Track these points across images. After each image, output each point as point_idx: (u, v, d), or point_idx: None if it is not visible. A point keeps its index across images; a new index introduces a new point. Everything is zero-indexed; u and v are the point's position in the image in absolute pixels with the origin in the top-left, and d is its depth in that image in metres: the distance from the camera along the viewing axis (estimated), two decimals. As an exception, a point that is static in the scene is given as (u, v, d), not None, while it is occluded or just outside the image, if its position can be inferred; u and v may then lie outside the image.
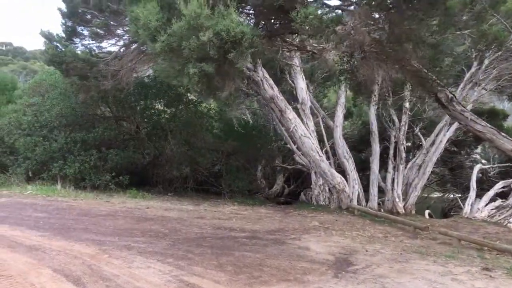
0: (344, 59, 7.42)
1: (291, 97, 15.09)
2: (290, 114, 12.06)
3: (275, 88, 11.93)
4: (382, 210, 13.86)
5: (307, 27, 4.66)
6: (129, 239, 6.73)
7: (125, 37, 11.05)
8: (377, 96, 14.83)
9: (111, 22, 10.17)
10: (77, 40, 11.92)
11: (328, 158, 15.13)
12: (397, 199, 14.44)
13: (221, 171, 15.10)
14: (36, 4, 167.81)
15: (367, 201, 14.54)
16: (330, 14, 5.35)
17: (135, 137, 14.32)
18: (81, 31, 11.87)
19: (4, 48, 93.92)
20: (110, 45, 12.01)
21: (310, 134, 12.79)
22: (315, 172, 13.90)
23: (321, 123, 16.16)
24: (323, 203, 13.75)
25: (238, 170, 15.36)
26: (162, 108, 15.35)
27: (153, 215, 9.27)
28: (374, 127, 15.04)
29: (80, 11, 10.99)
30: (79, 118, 12.98)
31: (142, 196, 12.25)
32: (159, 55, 5.28)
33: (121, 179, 12.36)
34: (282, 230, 8.53)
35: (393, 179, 15.13)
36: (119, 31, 10.83)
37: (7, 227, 7.25)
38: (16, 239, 6.36)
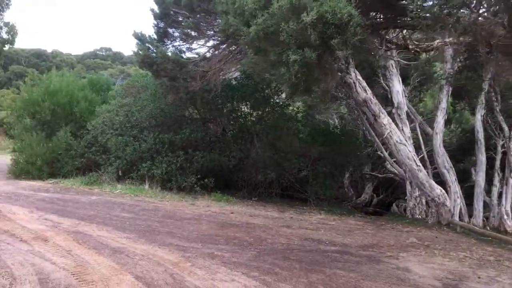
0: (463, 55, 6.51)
1: (384, 101, 14.19)
2: (385, 119, 11.22)
3: (368, 91, 11.18)
4: (487, 227, 12.49)
5: (423, 17, 4.01)
6: (213, 246, 6.48)
7: (214, 37, 10.99)
8: (483, 101, 13.47)
9: (202, 23, 10.10)
10: (167, 41, 12.11)
11: (425, 167, 14.00)
12: (505, 216, 13.00)
13: (307, 177, 14.57)
14: (134, 11, 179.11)
15: (469, 216, 13.20)
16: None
17: (221, 139, 14.29)
18: (171, 33, 12.04)
19: (104, 53, 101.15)
20: (199, 46, 12.10)
21: (406, 141, 11.84)
22: (410, 183, 12.90)
23: (418, 129, 15.03)
24: (419, 216, 12.71)
25: (325, 177, 14.73)
26: (248, 110, 15.18)
27: (238, 221, 9.00)
28: (480, 134, 13.64)
29: (171, 12, 11.12)
30: (168, 119, 13.20)
31: (226, 200, 12.10)
32: (253, 43, 4.89)
33: (206, 181, 12.31)
34: (376, 246, 7.82)
35: (500, 193, 13.64)
36: (208, 32, 10.77)
37: (94, 226, 7.35)
38: (102, 240, 6.37)
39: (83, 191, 11.81)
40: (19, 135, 14.99)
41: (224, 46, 10.72)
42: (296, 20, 4.55)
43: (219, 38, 10.08)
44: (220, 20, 9.74)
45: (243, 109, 15.08)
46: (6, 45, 20.02)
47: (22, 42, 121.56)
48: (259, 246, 6.85)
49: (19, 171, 14.04)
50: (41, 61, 77.05)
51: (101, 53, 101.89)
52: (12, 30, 19.52)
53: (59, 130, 14.46)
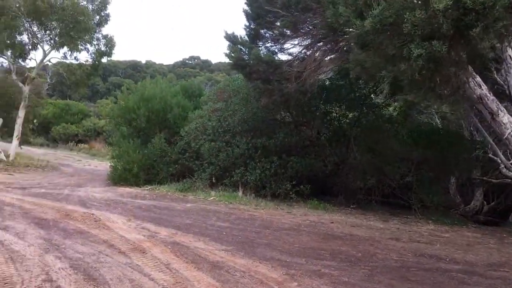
0: None
1: (496, 97, 12.65)
2: (505, 117, 9.91)
3: (484, 86, 9.96)
4: None
5: None
6: (318, 262, 5.93)
7: (310, 35, 10.45)
8: None
9: (298, 21, 9.62)
10: (259, 42, 11.79)
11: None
12: None
13: (410, 183, 13.48)
14: (223, 19, 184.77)
15: None
16: None
17: (315, 143, 13.71)
18: (263, 34, 11.71)
19: (193, 62, 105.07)
20: (292, 46, 11.64)
21: (532, 142, 10.41)
22: (536, 190, 11.35)
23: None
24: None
25: (430, 183, 13.54)
26: (343, 112, 14.44)
27: (340, 232, 8.36)
28: None
29: (263, 12, 10.77)
30: (260, 123, 12.90)
31: (323, 208, 11.51)
32: (366, 36, 4.28)
33: (301, 188, 11.78)
34: (507, 265, 6.76)
35: None
36: (304, 30, 10.26)
37: (191, 237, 7.13)
38: (199, 252, 6.09)
39: (178, 198, 11.85)
40: (117, 142, 15.58)
41: (320, 44, 10.15)
42: (424, 7, 3.87)
43: (318, 36, 9.51)
44: (317, 20, 9.28)
45: (337, 111, 14.41)
46: (104, 57, 21.11)
47: (119, 55, 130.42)
48: (369, 262, 6.18)
49: (117, 178, 14.55)
50: (136, 72, 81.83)
51: (190, 62, 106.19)
52: (109, 43, 20.55)
53: (154, 136, 14.79)
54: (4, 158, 19.16)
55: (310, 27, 9.90)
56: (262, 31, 11.70)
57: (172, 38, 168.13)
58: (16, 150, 20.87)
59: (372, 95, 14.17)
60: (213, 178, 12.93)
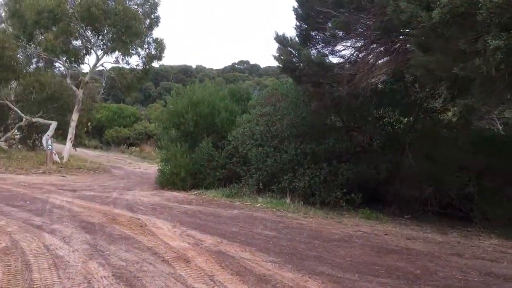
0: None
1: None
2: None
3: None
4: None
5: None
6: (373, 279, 5.50)
7: (363, 36, 9.98)
8: None
9: (351, 21, 9.17)
10: (310, 44, 11.43)
11: None
12: None
13: (471, 193, 12.62)
14: (271, 23, 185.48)
15: None
16: None
17: (367, 149, 13.12)
18: (314, 35, 11.35)
19: (242, 66, 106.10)
20: (343, 48, 11.20)
21: None
22: None
23: None
24: None
25: (493, 193, 12.61)
26: (397, 117, 13.77)
27: (395, 246, 7.82)
28: None
29: (314, 13, 10.42)
30: (309, 128, 12.50)
31: (376, 218, 10.93)
32: (431, 31, 3.84)
33: (353, 196, 11.26)
34: None
35: None
36: (357, 31, 9.79)
37: (237, 246, 6.86)
38: (245, 263, 5.81)
39: (224, 204, 11.66)
40: (165, 146, 15.64)
41: (374, 46, 9.66)
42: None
43: (372, 37, 9.02)
44: (370, 21, 8.80)
45: (391, 116, 13.76)
46: (154, 61, 21.42)
47: (171, 60, 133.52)
48: (429, 281, 5.66)
49: (165, 182, 14.57)
50: (186, 76, 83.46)
51: (239, 66, 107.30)
52: (160, 46, 20.80)
53: (201, 141, 14.72)
54: (58, 160, 19.77)
55: (364, 28, 9.42)
56: (312, 32, 11.34)
57: (222, 42, 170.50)
58: (70, 152, 21.53)
59: (429, 100, 13.44)
60: (261, 184, 12.65)
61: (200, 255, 6.16)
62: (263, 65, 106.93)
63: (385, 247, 7.69)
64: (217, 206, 11.24)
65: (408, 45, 10.22)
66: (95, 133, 40.78)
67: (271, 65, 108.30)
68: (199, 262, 5.77)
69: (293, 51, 10.83)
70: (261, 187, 12.70)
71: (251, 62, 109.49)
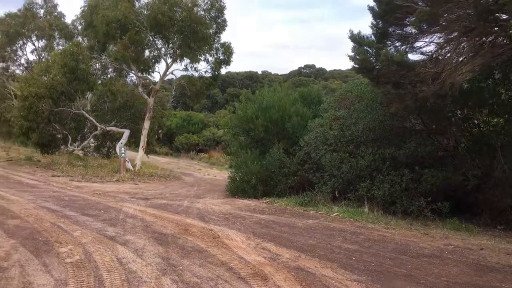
0: None
1: None
2: None
3: None
4: None
5: None
6: (478, 305, 4.77)
7: (447, 31, 9.17)
8: None
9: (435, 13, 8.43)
10: (387, 42, 10.75)
11: None
12: None
13: None
14: (337, 23, 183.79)
15: None
16: None
17: (452, 154, 12.11)
18: (391, 31, 10.66)
19: (308, 70, 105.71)
20: (425, 44, 10.43)
21: None
22: None
23: None
24: None
25: None
26: (485, 118, 12.64)
27: (495, 263, 7.01)
28: None
29: (390, 9, 9.75)
30: (388, 132, 11.76)
31: (466, 229, 9.98)
32: None
33: (439, 205, 10.38)
34: None
35: None
36: (442, 24, 9.01)
37: (317, 261, 6.40)
38: (328, 282, 5.42)
39: (298, 213, 11.21)
40: (235, 153, 15.47)
41: (463, 38, 8.82)
42: None
43: (461, 29, 8.23)
44: (461, 11, 8.04)
45: (478, 117, 12.65)
46: (223, 66, 21.43)
47: (237, 66, 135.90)
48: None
49: (235, 189, 14.38)
50: (252, 82, 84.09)
51: (305, 70, 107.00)
52: (227, 51, 20.79)
53: (272, 147, 14.39)
54: (131, 168, 20.28)
55: (450, 21, 8.63)
56: (390, 29, 10.66)
57: (288, 48, 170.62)
58: (142, 160, 22.06)
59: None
60: (336, 192, 12.07)
61: (278, 271, 5.77)
62: (329, 68, 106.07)
63: (484, 264, 6.88)
64: (290, 216, 10.81)
65: (501, 38, 9.30)
66: (166, 140, 41.91)
67: (337, 68, 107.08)
68: (278, 280, 5.38)
69: (369, 50, 10.22)
70: (336, 195, 12.12)
71: (317, 66, 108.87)
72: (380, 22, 10.32)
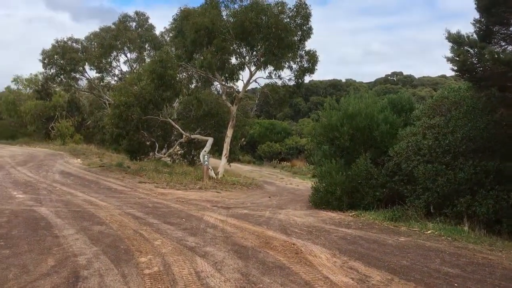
0: None
1: None
2: None
3: None
4: None
5: None
6: None
7: None
8: None
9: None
10: (491, 42, 9.66)
11: None
12: None
13: None
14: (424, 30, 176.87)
15: None
16: None
17: None
18: (496, 31, 9.57)
19: (395, 78, 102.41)
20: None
21: None
22: None
23: None
24: None
25: None
26: None
27: None
28: None
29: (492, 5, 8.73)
30: (492, 141, 10.53)
31: None
32: None
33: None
34: None
35: None
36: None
37: (413, 287, 5.61)
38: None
39: (387, 229, 10.35)
40: (318, 162, 14.86)
41: None
42: None
43: None
44: None
45: None
46: (307, 74, 20.94)
47: (320, 75, 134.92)
48: None
49: (319, 200, 13.76)
50: (336, 90, 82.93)
51: (392, 78, 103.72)
52: (312, 59, 20.26)
53: (358, 156, 13.59)
54: (214, 176, 20.38)
55: None
56: (494, 28, 9.58)
57: (373, 55, 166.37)
58: (225, 167, 22.13)
59: None
60: (431, 207, 11.03)
61: (369, 297, 5.14)
62: (417, 75, 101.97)
63: None
64: (379, 231, 9.99)
65: None
66: (248, 148, 42.17)
67: (426, 75, 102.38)
68: (369, 308, 4.74)
69: (471, 50, 9.20)
70: (431, 210, 11.08)
71: (405, 73, 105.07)
72: (484, 18, 9.29)
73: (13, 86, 51.89)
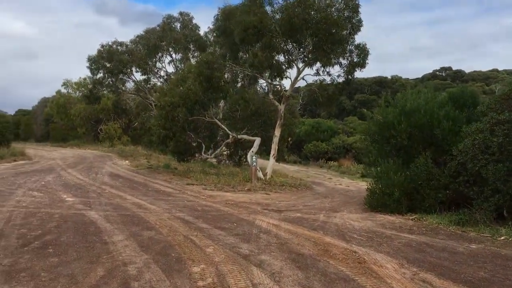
0: None
1: None
2: None
3: None
4: None
5: None
6: None
7: None
8: None
9: None
10: None
11: None
12: None
13: None
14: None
15: None
16: None
17: None
18: None
19: (444, 73, 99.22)
20: None
21: None
22: None
23: None
24: None
25: None
26: None
27: None
28: None
29: None
30: None
31: None
32: None
33: None
34: None
35: None
36: None
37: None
38: None
39: (455, 235, 9.57)
40: (373, 162, 14.12)
41: None
42: None
43: None
44: None
45: None
46: (357, 69, 20.12)
47: (364, 72, 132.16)
48: None
49: (375, 202, 13.04)
50: (381, 88, 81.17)
51: (440, 73, 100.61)
52: (362, 52, 19.45)
53: (417, 156, 12.77)
54: (262, 177, 19.95)
55: None
56: None
57: (419, 50, 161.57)
58: (272, 168, 21.66)
59: None
60: (504, 210, 10.13)
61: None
62: (467, 69, 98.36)
63: None
64: (446, 237, 9.23)
65: None
66: (294, 148, 41.58)
67: (477, 69, 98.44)
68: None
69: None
70: (504, 214, 10.18)
71: (454, 68, 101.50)
72: None
73: (63, 90, 53.75)
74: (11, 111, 77.46)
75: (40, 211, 10.31)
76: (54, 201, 12.02)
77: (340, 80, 21.12)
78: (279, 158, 26.44)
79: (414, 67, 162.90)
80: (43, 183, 15.88)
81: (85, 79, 47.94)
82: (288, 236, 8.65)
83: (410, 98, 13.72)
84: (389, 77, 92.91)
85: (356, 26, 19.16)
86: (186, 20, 35.83)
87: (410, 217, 11.73)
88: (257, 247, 7.57)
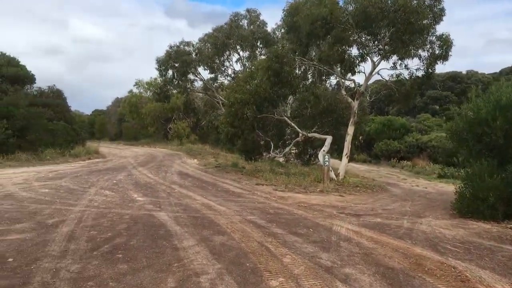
0: None
1: None
2: None
3: None
4: None
5: None
6: None
7: None
8: None
9: None
10: None
11: None
12: None
13: None
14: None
15: None
16: None
17: None
18: None
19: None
20: None
21: None
22: None
23: None
24: None
25: None
26: None
27: None
28: None
29: None
30: None
31: None
32: None
33: None
34: None
35: None
36: None
37: None
38: None
39: None
40: (463, 162, 12.75)
41: None
42: None
43: None
44: None
45: None
46: (438, 61, 18.53)
47: (437, 67, 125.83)
48: None
49: (465, 208, 11.70)
50: (455, 84, 76.88)
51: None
52: (445, 44, 17.86)
53: (514, 156, 11.31)
54: (334, 177, 18.94)
55: None
56: None
57: (495, 43, 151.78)
58: (345, 168, 20.58)
59: None
60: None
61: None
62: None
63: None
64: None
65: None
66: (364, 147, 39.97)
67: None
68: None
69: None
70: None
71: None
72: None
73: (135, 90, 55.42)
74: (87, 111, 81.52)
75: (111, 211, 10.09)
76: (125, 200, 11.83)
77: (419, 74, 19.61)
78: (350, 158, 25.24)
79: (491, 61, 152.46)
80: (115, 181, 15.92)
81: (155, 79, 49.07)
82: (372, 245, 7.74)
83: (505, 91, 12.20)
84: (464, 71, 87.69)
85: (438, 15, 17.58)
86: (253, 16, 35.43)
87: (509, 225, 10.36)
88: (339, 258, 6.75)
